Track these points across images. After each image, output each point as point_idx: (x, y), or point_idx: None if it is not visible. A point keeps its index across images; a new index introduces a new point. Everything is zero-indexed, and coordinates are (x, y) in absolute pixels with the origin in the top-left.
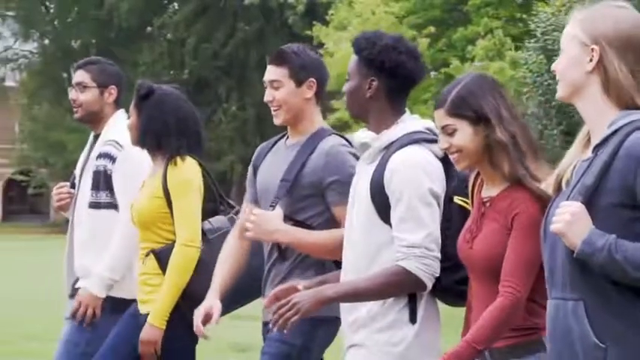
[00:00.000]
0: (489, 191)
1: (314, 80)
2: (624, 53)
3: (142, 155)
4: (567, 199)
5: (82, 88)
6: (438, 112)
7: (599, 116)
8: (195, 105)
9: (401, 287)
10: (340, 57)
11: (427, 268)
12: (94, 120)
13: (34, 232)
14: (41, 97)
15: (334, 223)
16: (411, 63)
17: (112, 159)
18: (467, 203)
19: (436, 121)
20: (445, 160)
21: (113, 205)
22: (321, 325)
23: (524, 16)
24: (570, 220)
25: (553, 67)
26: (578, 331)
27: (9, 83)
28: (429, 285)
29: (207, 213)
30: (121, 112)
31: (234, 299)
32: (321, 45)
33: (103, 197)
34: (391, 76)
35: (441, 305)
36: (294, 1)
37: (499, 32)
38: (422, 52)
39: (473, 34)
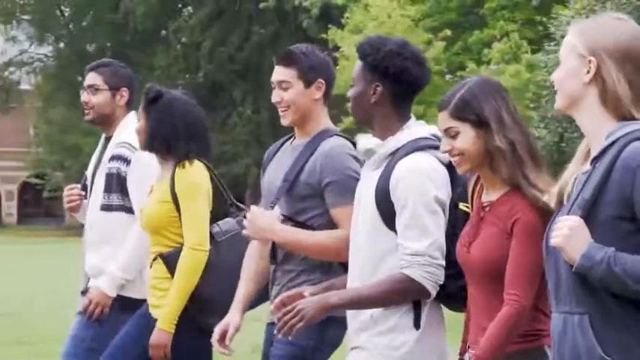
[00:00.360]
0: (489, 196)
1: (322, 81)
2: (622, 65)
3: (153, 158)
4: (568, 213)
5: (94, 91)
6: (442, 114)
7: (597, 128)
8: (211, 108)
9: (405, 295)
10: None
11: (431, 276)
12: (106, 122)
13: (50, 235)
14: (56, 101)
15: (335, 224)
16: (416, 68)
17: (126, 161)
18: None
19: (439, 123)
20: (450, 167)
21: (125, 208)
22: (331, 325)
23: (544, 19)
24: (569, 235)
25: (551, 77)
26: (584, 345)
27: (24, 87)
28: (433, 293)
29: (217, 216)
30: (133, 115)
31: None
32: (336, 48)
33: (115, 200)
34: (396, 82)
35: (445, 310)
36: (308, 4)
37: (515, 35)
38: (438, 56)
39: (489, 37)
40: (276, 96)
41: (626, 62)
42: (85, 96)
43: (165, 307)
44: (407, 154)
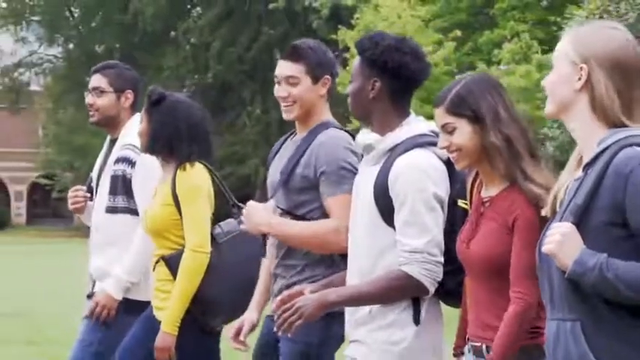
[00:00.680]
0: (489, 191)
1: (329, 77)
2: (612, 74)
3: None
4: (560, 220)
5: (99, 93)
6: (438, 110)
7: (587, 134)
8: (220, 109)
9: (403, 292)
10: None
11: (429, 273)
12: (111, 124)
13: (58, 235)
14: (66, 102)
15: None
16: (415, 63)
17: (131, 163)
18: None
19: (436, 119)
20: (449, 163)
21: (130, 210)
22: (335, 320)
23: (558, 19)
24: (561, 241)
25: (542, 83)
26: (577, 352)
27: (34, 87)
28: (432, 290)
29: (218, 217)
30: (138, 117)
31: (247, 301)
32: (346, 49)
33: (120, 202)
34: (394, 77)
35: (443, 306)
36: (318, 5)
37: (525, 36)
38: (448, 56)
39: (499, 37)
40: (282, 91)
41: (616, 71)
42: (89, 98)
43: (168, 309)
44: (406, 150)
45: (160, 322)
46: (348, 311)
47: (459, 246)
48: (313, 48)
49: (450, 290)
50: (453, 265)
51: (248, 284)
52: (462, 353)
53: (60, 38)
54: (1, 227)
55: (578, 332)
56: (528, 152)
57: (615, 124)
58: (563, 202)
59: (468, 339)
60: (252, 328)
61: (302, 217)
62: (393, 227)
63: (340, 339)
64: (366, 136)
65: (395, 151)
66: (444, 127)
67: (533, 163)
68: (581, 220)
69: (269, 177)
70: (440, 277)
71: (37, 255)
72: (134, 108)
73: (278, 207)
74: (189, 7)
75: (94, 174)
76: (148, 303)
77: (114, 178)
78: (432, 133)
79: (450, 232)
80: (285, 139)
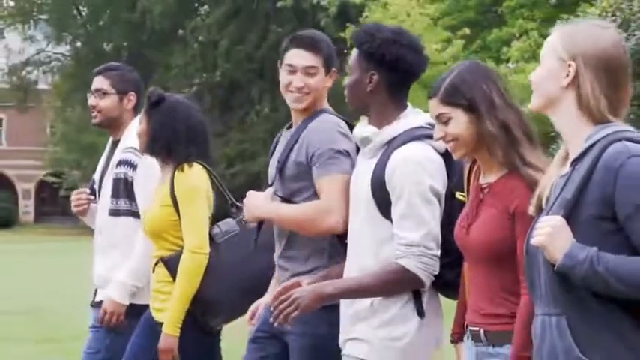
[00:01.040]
0: (487, 178)
1: (335, 70)
2: (600, 72)
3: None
4: (548, 214)
5: (102, 95)
6: (432, 101)
7: (574, 131)
8: (228, 107)
9: (399, 285)
10: None
11: (426, 267)
12: (113, 126)
13: (66, 233)
14: (73, 100)
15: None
16: (412, 56)
17: (133, 166)
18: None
19: (430, 110)
20: (447, 156)
21: (132, 213)
22: (336, 309)
23: (571, 17)
24: (551, 233)
25: (530, 77)
26: (562, 346)
27: (42, 86)
28: (428, 283)
29: (217, 217)
30: None
31: (246, 301)
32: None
33: (123, 205)
34: (391, 70)
35: (441, 298)
36: (326, 3)
37: (534, 33)
38: (457, 54)
39: (507, 35)
40: (299, 80)
41: (604, 70)
42: (92, 99)
43: (169, 311)
44: (403, 143)
45: (159, 324)
46: (345, 304)
47: (457, 232)
48: (325, 40)
49: (448, 282)
50: (451, 257)
51: (247, 283)
52: (460, 339)
53: (68, 37)
54: (9, 225)
55: (564, 326)
56: (526, 137)
57: (601, 121)
58: (549, 199)
59: (467, 325)
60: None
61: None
62: (391, 220)
63: None
64: (363, 129)
65: (392, 144)
66: (438, 117)
67: (531, 148)
68: (571, 214)
69: (269, 168)
70: (436, 270)
71: (46, 253)
72: (136, 110)
73: (276, 194)
74: (196, 5)
75: (97, 176)
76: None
77: (116, 181)
78: (429, 126)
79: (448, 224)
80: (287, 129)
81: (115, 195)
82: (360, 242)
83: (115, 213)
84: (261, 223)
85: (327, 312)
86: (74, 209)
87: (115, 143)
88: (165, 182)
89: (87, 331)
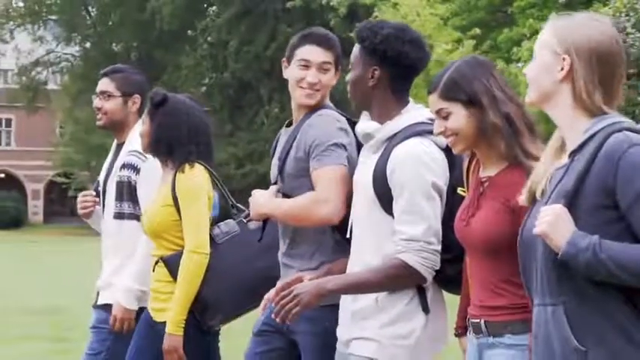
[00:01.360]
0: (487, 171)
1: (340, 69)
2: (594, 65)
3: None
4: (547, 204)
5: (107, 97)
6: (432, 96)
7: (570, 123)
8: (238, 107)
9: (400, 280)
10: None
11: (426, 262)
12: (118, 128)
13: (75, 233)
14: (83, 101)
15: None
16: (414, 52)
17: (136, 170)
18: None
19: (430, 105)
20: (448, 151)
21: (135, 216)
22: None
23: None
24: (553, 222)
25: (524, 71)
26: (558, 336)
27: (51, 86)
28: (429, 278)
29: (219, 219)
30: None
31: (245, 301)
32: None
33: (126, 208)
34: (393, 65)
35: (444, 293)
36: (336, 3)
37: None
38: (467, 54)
39: (518, 35)
40: (313, 76)
41: (598, 62)
42: (97, 101)
43: (171, 311)
44: (404, 139)
45: (158, 324)
46: (347, 301)
47: (457, 224)
48: (337, 39)
49: (450, 278)
50: (452, 253)
51: (248, 284)
52: (464, 333)
53: (77, 37)
54: (19, 225)
55: (561, 316)
56: (527, 129)
57: (596, 113)
58: (545, 190)
59: (468, 318)
60: None
61: None
62: (393, 216)
63: None
64: (365, 124)
65: (393, 140)
66: (438, 112)
67: (532, 140)
68: (572, 204)
69: (272, 167)
70: (437, 265)
71: (57, 253)
72: (141, 112)
73: (279, 192)
74: (205, 5)
75: (101, 178)
76: (155, 323)
77: (119, 184)
78: (430, 121)
79: (449, 220)
80: (281, 132)
81: (119, 198)
82: (362, 238)
83: (119, 216)
84: (265, 221)
85: (335, 310)
86: (80, 211)
87: (120, 145)
88: (167, 182)
89: None
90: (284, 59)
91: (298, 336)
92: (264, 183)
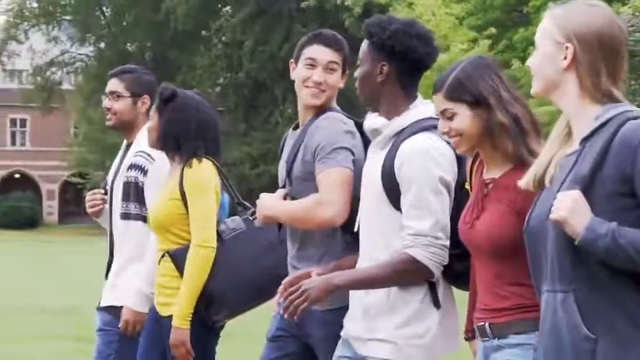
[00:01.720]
0: (491, 173)
1: (348, 72)
2: (598, 51)
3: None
4: (559, 190)
5: (116, 97)
6: (437, 96)
7: (579, 111)
8: (252, 107)
9: (408, 275)
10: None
11: (434, 257)
12: (127, 128)
13: (90, 233)
14: (97, 101)
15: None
16: (422, 47)
17: (144, 171)
18: None
19: (435, 105)
20: None
21: (141, 217)
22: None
23: None
24: (572, 208)
25: (527, 63)
26: (568, 323)
27: (65, 87)
28: (437, 273)
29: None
30: None
31: (250, 298)
32: None
33: (133, 208)
34: (402, 60)
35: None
36: (350, 3)
37: None
38: (483, 54)
39: (533, 35)
40: (319, 75)
41: (601, 48)
42: (106, 102)
43: (177, 305)
44: (412, 134)
45: (164, 318)
46: (356, 299)
47: (461, 227)
48: (344, 41)
49: (459, 273)
50: (461, 248)
51: (253, 281)
52: (473, 337)
53: (91, 37)
54: (34, 226)
55: (571, 304)
56: (533, 129)
57: (604, 99)
58: (555, 176)
59: (474, 322)
60: None
61: None
62: (401, 211)
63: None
64: (373, 120)
65: (401, 135)
66: (443, 112)
67: (537, 140)
68: (587, 190)
69: (279, 170)
70: (445, 260)
71: (72, 253)
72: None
73: (287, 195)
74: (219, 5)
75: (110, 177)
76: (160, 318)
77: (126, 185)
78: (438, 117)
79: (457, 215)
80: (294, 130)
81: (126, 198)
82: (371, 234)
83: (125, 216)
84: (281, 224)
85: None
86: (88, 210)
87: (129, 145)
88: (174, 176)
89: None
90: (292, 60)
91: (313, 339)
92: (278, 183)
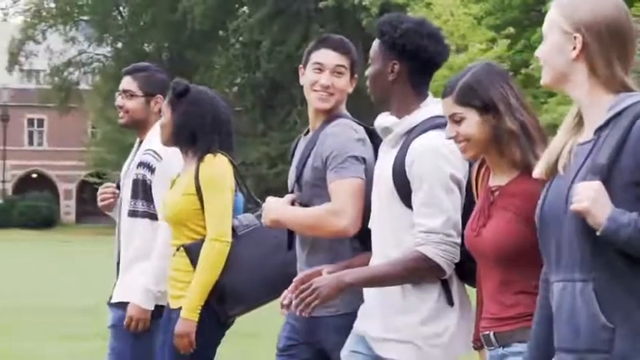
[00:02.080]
0: (497, 180)
1: (356, 77)
2: (607, 39)
3: (179, 165)
4: (574, 180)
5: (129, 96)
6: (446, 100)
7: (591, 100)
8: (270, 107)
9: (419, 273)
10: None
11: (445, 254)
12: (139, 127)
13: (108, 233)
14: (114, 101)
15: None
16: (433, 46)
17: (151, 169)
18: None
19: (444, 109)
20: None
21: (149, 215)
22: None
23: None
24: (595, 198)
25: (536, 53)
26: (586, 313)
27: (83, 87)
28: (448, 271)
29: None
30: None
31: (264, 294)
32: None
33: (140, 206)
34: (413, 59)
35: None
36: (368, 3)
37: None
38: (502, 54)
39: None
40: (327, 79)
41: (609, 35)
42: (119, 100)
43: (188, 297)
44: (423, 132)
45: (174, 310)
46: (372, 296)
47: (467, 234)
48: (352, 45)
49: (471, 271)
50: None
51: (267, 277)
52: (482, 346)
53: (109, 38)
54: (51, 225)
55: (589, 293)
56: (541, 138)
57: (618, 89)
58: (568, 165)
59: (480, 331)
60: None
61: None
62: (413, 209)
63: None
64: (384, 119)
65: (412, 133)
66: (451, 116)
67: (543, 148)
68: (606, 180)
69: (289, 174)
70: (457, 258)
71: (90, 253)
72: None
73: (296, 200)
74: (236, 5)
75: (122, 175)
76: (169, 310)
77: (135, 182)
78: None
79: (469, 212)
80: (305, 134)
81: (134, 196)
82: (383, 232)
83: (133, 214)
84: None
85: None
86: (99, 204)
87: (141, 143)
88: (188, 171)
89: None
90: (300, 66)
91: (328, 345)
92: None
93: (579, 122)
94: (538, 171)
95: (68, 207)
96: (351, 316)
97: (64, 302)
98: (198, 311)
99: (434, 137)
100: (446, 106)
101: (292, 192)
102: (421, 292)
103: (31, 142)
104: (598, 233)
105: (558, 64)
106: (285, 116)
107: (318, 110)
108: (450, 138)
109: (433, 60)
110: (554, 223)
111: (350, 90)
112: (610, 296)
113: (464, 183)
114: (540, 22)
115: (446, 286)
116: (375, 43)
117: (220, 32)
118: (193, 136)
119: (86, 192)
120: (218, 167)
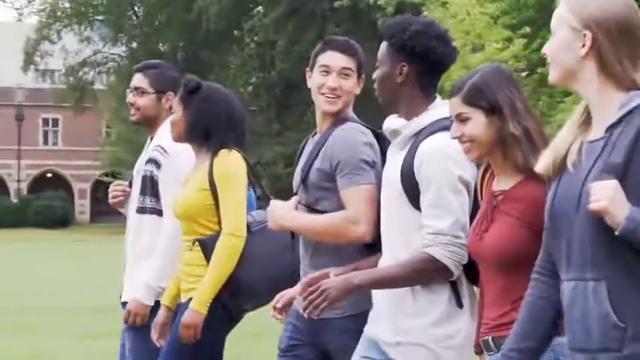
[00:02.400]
0: (501, 184)
1: (364, 77)
2: (617, 36)
3: (187, 161)
4: (586, 178)
5: (140, 93)
6: (454, 99)
7: (601, 98)
8: (285, 107)
9: (427, 274)
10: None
11: (453, 256)
12: (151, 124)
13: (121, 232)
14: None
15: None
16: (441, 47)
17: (158, 165)
18: None
19: (450, 108)
20: None
21: (157, 211)
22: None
23: None
24: (613, 197)
25: (543, 50)
26: (598, 312)
27: (98, 86)
28: (456, 272)
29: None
30: None
31: (275, 290)
32: None
33: (148, 202)
34: (421, 61)
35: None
36: (383, 2)
37: None
38: (518, 53)
39: None
40: (334, 81)
41: (618, 31)
42: (130, 97)
43: (200, 289)
44: (431, 133)
45: (184, 304)
46: (381, 299)
47: (471, 238)
48: (359, 46)
49: (479, 272)
50: None
51: (278, 274)
52: (482, 351)
53: (124, 37)
54: (65, 225)
55: (602, 292)
56: (544, 144)
57: (628, 87)
58: (578, 163)
59: (480, 336)
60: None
61: (322, 212)
62: (421, 211)
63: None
64: (392, 121)
65: (420, 135)
66: (458, 116)
67: None
68: (621, 179)
69: (295, 176)
70: (465, 259)
71: (104, 252)
72: None
73: (300, 203)
74: (251, 5)
75: (134, 172)
76: (179, 304)
77: (143, 178)
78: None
79: (477, 213)
80: (313, 135)
81: (143, 192)
82: (392, 234)
83: (141, 210)
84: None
85: (367, 316)
86: (110, 200)
87: (152, 140)
88: (202, 167)
89: None
90: (308, 69)
91: (332, 346)
92: None
93: (586, 119)
94: (542, 166)
95: (83, 206)
96: (358, 317)
97: (80, 301)
98: (208, 304)
99: (442, 139)
100: (453, 105)
101: (297, 193)
102: (431, 295)
103: (45, 142)
104: (617, 233)
105: (566, 60)
106: (300, 116)
107: (325, 113)
108: (454, 138)
109: (442, 61)
110: (564, 221)
111: (357, 91)
112: (622, 296)
113: (472, 185)
114: None
115: (455, 288)
116: (383, 46)
117: (235, 32)
118: (207, 132)
119: (100, 191)
120: (232, 163)
